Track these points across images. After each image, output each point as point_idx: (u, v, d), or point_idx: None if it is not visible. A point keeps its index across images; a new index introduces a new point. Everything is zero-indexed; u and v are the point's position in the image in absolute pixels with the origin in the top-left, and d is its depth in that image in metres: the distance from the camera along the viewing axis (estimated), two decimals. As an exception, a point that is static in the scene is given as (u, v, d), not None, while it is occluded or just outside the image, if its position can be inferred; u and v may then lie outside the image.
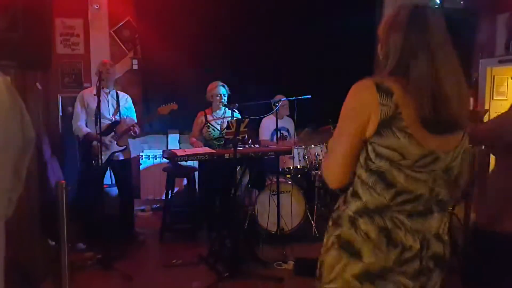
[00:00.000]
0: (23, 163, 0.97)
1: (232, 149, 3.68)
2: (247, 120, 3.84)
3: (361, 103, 1.34)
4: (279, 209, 4.23)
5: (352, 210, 1.38)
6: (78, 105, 4.35)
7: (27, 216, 3.30)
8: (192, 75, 5.32)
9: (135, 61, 5.78)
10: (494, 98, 5.13)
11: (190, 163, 4.33)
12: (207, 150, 3.94)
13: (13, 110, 0.93)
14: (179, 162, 3.82)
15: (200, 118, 4.54)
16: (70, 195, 3.35)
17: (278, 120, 4.44)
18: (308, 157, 4.73)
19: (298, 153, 4.72)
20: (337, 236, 1.41)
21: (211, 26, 5.53)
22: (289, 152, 4.28)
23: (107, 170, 4.46)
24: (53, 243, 3.79)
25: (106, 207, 4.22)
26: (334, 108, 5.70)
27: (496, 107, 4.96)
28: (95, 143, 4.13)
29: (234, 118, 4.40)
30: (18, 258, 2.92)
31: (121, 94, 4.50)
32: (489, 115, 4.09)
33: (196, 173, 4.89)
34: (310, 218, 4.59)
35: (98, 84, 3.89)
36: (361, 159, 1.37)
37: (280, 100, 4.51)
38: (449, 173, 1.38)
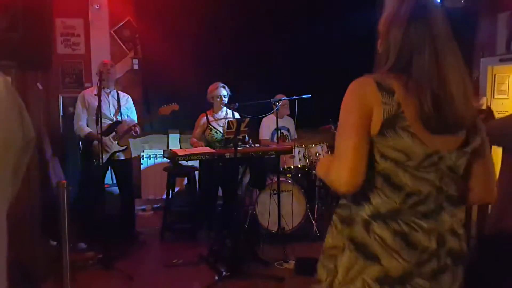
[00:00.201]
0: (22, 163, 0.97)
1: (233, 148, 3.68)
2: (247, 119, 3.85)
3: (363, 98, 1.29)
4: (279, 208, 4.23)
5: (367, 214, 1.33)
6: (79, 105, 4.36)
7: (28, 216, 3.31)
8: (193, 75, 5.31)
9: (135, 61, 5.78)
10: (495, 97, 5.12)
11: (190, 162, 4.33)
12: (207, 149, 3.94)
13: (12, 110, 0.93)
14: (179, 162, 3.82)
15: (202, 120, 4.52)
16: (71, 195, 3.36)
17: (279, 120, 4.44)
18: (308, 156, 4.73)
19: (299, 153, 4.71)
20: (350, 238, 1.35)
21: (211, 25, 5.53)
22: (289, 151, 4.28)
23: (108, 170, 4.46)
24: (54, 243, 3.80)
25: (107, 207, 4.23)
26: (335, 107, 5.70)
27: (497, 105, 4.96)
28: (96, 143, 4.13)
29: (236, 118, 4.41)
30: (19, 258, 2.92)
31: (121, 94, 4.50)
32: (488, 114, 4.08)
33: (196, 172, 4.90)
34: (311, 217, 4.60)
35: (99, 84, 3.90)
36: None
37: (280, 100, 4.51)
38: (456, 171, 1.34)
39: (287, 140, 5.14)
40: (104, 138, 4.07)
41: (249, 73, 5.54)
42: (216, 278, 3.56)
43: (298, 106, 4.41)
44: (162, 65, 5.53)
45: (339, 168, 1.28)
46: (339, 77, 6.40)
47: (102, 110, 3.87)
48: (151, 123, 5.51)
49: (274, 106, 4.59)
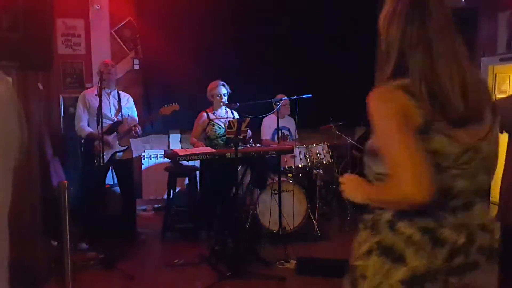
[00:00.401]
0: (17, 162, 0.98)
1: (234, 148, 3.68)
2: (248, 119, 3.85)
3: (396, 103, 1.22)
4: (280, 208, 4.23)
5: (390, 214, 1.30)
6: (80, 106, 4.36)
7: (29, 216, 3.31)
8: (193, 75, 5.32)
9: (136, 61, 5.79)
10: (496, 96, 5.12)
11: (191, 162, 4.33)
12: (208, 149, 3.94)
13: (13, 112, 0.93)
14: (180, 162, 3.82)
15: (202, 118, 4.51)
16: (72, 195, 3.36)
17: (279, 120, 4.44)
18: (309, 156, 4.73)
19: (300, 152, 4.71)
20: (377, 242, 1.32)
21: (212, 25, 5.53)
22: (290, 151, 4.28)
23: (109, 170, 4.47)
24: (56, 243, 3.80)
25: (108, 207, 4.23)
26: (335, 107, 5.74)
27: (498, 105, 4.95)
28: (97, 142, 4.14)
29: (236, 118, 4.40)
30: (21, 259, 2.92)
31: (122, 94, 4.51)
32: None
33: (197, 172, 4.89)
34: (312, 217, 4.59)
35: (99, 84, 3.90)
36: None
37: (281, 99, 4.51)
38: (488, 161, 1.31)
39: (287, 140, 5.14)
40: (105, 137, 4.07)
41: (249, 73, 5.54)
42: (217, 278, 3.55)
43: (299, 106, 4.40)
44: (163, 65, 5.54)
45: (406, 181, 1.17)
46: (339, 77, 6.46)
47: (102, 110, 3.88)
48: (152, 123, 5.51)
49: (274, 106, 4.59)
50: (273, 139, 5.06)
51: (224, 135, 4.42)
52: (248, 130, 4.20)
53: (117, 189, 4.58)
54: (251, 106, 4.30)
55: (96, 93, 3.95)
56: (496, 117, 1.34)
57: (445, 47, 1.25)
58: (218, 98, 4.44)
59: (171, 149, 4.44)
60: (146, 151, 5.80)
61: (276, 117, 4.39)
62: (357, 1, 5.91)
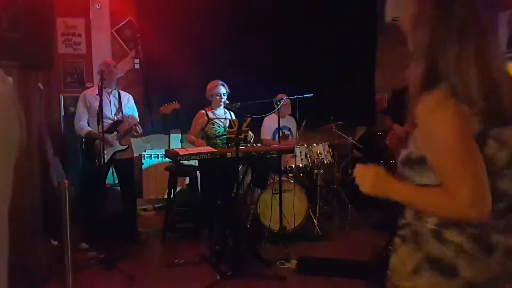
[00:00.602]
0: (16, 162, 0.98)
1: (234, 148, 3.67)
2: (249, 119, 3.84)
3: (455, 112, 1.13)
4: (281, 208, 4.22)
5: (434, 223, 1.21)
6: (80, 105, 4.36)
7: (29, 216, 3.31)
8: (194, 74, 5.32)
9: (136, 61, 5.79)
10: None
11: (192, 162, 4.32)
12: (209, 149, 3.94)
13: (12, 112, 0.93)
14: (181, 162, 3.82)
15: (201, 117, 4.50)
16: (72, 195, 3.36)
17: (280, 119, 4.44)
18: (310, 155, 4.73)
19: (300, 152, 4.71)
20: (424, 257, 1.22)
21: (212, 25, 5.53)
22: (291, 151, 4.27)
23: (109, 169, 4.46)
24: (56, 243, 3.80)
25: (109, 207, 4.23)
26: (336, 107, 5.72)
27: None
28: (97, 142, 4.13)
29: (236, 118, 4.40)
30: (21, 258, 2.92)
31: (123, 93, 4.50)
32: None
33: (198, 172, 4.89)
34: (313, 216, 4.59)
35: (100, 84, 3.90)
36: None
37: (282, 99, 4.50)
38: None
39: (288, 139, 5.14)
40: (106, 135, 4.06)
41: (250, 72, 5.55)
42: (218, 277, 3.55)
43: (300, 106, 4.40)
44: (163, 64, 5.54)
45: (466, 200, 1.11)
46: (340, 76, 6.45)
47: (103, 110, 3.87)
48: (152, 123, 5.51)
49: (275, 106, 4.59)
50: (273, 138, 5.06)
51: (223, 135, 4.42)
52: (250, 132, 4.20)
53: (118, 188, 4.58)
54: (251, 106, 4.29)
55: (97, 93, 3.94)
56: None
57: (480, 47, 1.17)
58: (217, 97, 4.43)
59: (172, 149, 4.44)
60: (146, 150, 5.80)
61: (276, 117, 4.39)
62: (357, 1, 5.91)
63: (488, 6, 1.21)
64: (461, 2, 1.19)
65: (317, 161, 4.73)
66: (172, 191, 4.69)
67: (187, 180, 5.02)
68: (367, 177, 1.31)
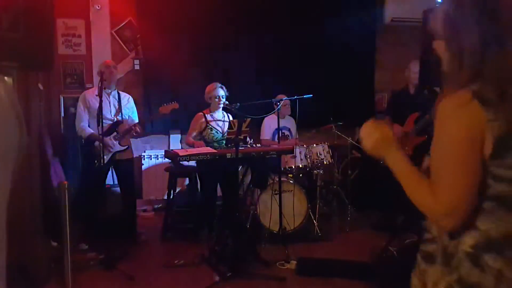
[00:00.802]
0: (16, 165, 0.98)
1: (234, 148, 3.68)
2: (249, 119, 3.84)
3: (468, 120, 1.10)
4: (281, 208, 4.23)
5: (469, 245, 1.13)
6: (80, 106, 4.36)
7: (29, 217, 3.31)
8: (194, 75, 5.32)
9: (136, 62, 5.79)
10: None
11: (192, 163, 4.32)
12: (209, 150, 3.94)
13: (11, 112, 0.93)
14: (181, 162, 3.82)
15: (200, 120, 4.50)
16: (72, 196, 3.36)
17: (280, 120, 4.44)
18: (310, 156, 4.73)
19: (300, 153, 4.71)
20: (458, 281, 1.14)
21: (212, 25, 5.53)
22: (290, 151, 4.27)
23: (109, 170, 4.47)
24: (56, 243, 3.80)
25: (108, 207, 4.23)
26: (335, 107, 5.72)
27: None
28: (97, 143, 4.14)
29: (236, 118, 4.40)
30: (21, 259, 2.92)
31: (122, 94, 4.50)
32: None
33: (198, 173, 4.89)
34: (312, 217, 4.59)
35: (100, 85, 3.90)
36: None
37: (281, 100, 4.51)
38: None
39: (288, 140, 5.14)
40: (105, 138, 4.07)
41: (250, 73, 5.55)
42: (218, 278, 3.55)
43: (299, 106, 4.40)
44: (163, 65, 5.54)
45: (443, 202, 1.11)
46: (340, 77, 6.44)
47: (102, 111, 3.87)
48: (152, 123, 5.50)
49: (275, 106, 4.59)
50: (273, 139, 5.07)
51: (221, 139, 4.42)
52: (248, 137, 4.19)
53: (117, 189, 4.58)
54: (251, 106, 4.30)
55: (97, 94, 3.95)
56: None
57: None
58: (216, 100, 4.43)
59: (172, 149, 4.44)
60: (146, 151, 5.80)
61: (276, 117, 4.39)
62: (357, 2, 5.92)
63: None
64: (504, 4, 1.14)
65: (316, 162, 4.73)
66: (171, 191, 4.69)
67: (187, 181, 5.02)
68: (372, 135, 1.29)
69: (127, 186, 4.49)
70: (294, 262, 3.84)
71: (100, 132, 3.87)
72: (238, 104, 4.30)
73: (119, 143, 4.30)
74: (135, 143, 5.00)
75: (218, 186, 4.60)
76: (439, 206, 1.12)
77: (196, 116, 4.52)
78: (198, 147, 4.19)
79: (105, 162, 4.07)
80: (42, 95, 4.58)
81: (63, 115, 5.53)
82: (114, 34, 5.70)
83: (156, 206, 5.78)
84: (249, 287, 3.48)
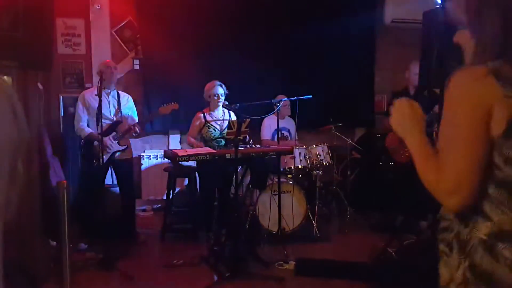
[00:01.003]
0: (17, 166, 0.97)
1: (233, 149, 3.67)
2: (248, 120, 3.84)
3: (479, 93, 1.07)
4: (280, 209, 4.22)
5: (484, 233, 1.11)
6: (79, 106, 4.36)
7: (28, 216, 3.30)
8: (193, 75, 5.31)
9: (136, 61, 5.79)
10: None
11: (191, 163, 4.33)
12: (208, 150, 3.94)
13: (5, 110, 0.93)
14: (180, 162, 3.82)
15: (199, 119, 4.50)
16: (71, 195, 3.36)
17: (279, 120, 4.44)
18: (309, 157, 4.73)
19: (299, 153, 4.71)
20: (469, 267, 1.13)
21: (212, 26, 5.53)
22: (290, 152, 4.27)
23: (108, 170, 4.46)
24: (54, 243, 3.79)
25: (107, 207, 4.22)
26: (335, 108, 5.72)
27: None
28: (96, 143, 4.13)
29: (235, 118, 4.40)
30: (19, 259, 2.92)
31: (122, 94, 4.50)
32: None
33: (197, 173, 4.89)
34: (311, 218, 4.59)
35: (99, 85, 3.90)
36: None
37: (281, 100, 4.51)
38: None
39: (287, 140, 5.14)
40: (104, 138, 4.07)
41: (250, 73, 5.55)
42: (216, 278, 3.55)
43: (299, 107, 4.40)
44: (163, 65, 5.54)
45: (449, 181, 1.09)
46: (340, 77, 6.44)
47: (102, 111, 3.87)
48: (152, 123, 5.50)
49: (275, 107, 4.59)
50: (273, 139, 5.06)
51: (219, 138, 4.42)
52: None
53: (117, 189, 4.58)
54: (251, 107, 4.30)
55: (96, 93, 3.94)
56: None
57: None
58: (215, 98, 4.42)
59: (171, 150, 4.44)
60: (145, 151, 5.80)
61: (276, 118, 4.39)
62: (357, 3, 5.92)
63: None
64: None
65: (316, 163, 4.73)
66: (171, 191, 4.68)
67: (186, 181, 5.01)
68: (404, 110, 1.28)
69: (126, 186, 4.49)
70: (293, 263, 3.83)
71: (99, 132, 3.87)
72: (238, 104, 4.30)
73: (118, 143, 4.29)
74: (135, 143, 5.00)
75: (217, 186, 4.60)
76: (443, 183, 1.11)
77: (195, 116, 4.54)
78: (196, 147, 4.19)
79: (104, 162, 4.07)
80: (41, 94, 4.58)
81: (62, 114, 5.52)
82: (114, 33, 5.70)
83: (155, 206, 5.77)
84: (247, 287, 3.48)
